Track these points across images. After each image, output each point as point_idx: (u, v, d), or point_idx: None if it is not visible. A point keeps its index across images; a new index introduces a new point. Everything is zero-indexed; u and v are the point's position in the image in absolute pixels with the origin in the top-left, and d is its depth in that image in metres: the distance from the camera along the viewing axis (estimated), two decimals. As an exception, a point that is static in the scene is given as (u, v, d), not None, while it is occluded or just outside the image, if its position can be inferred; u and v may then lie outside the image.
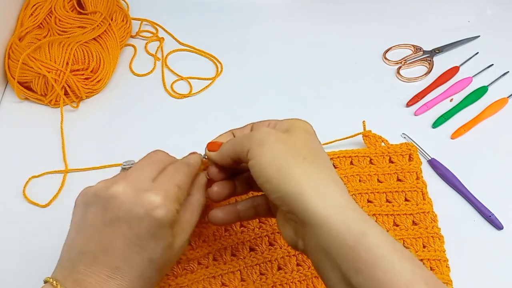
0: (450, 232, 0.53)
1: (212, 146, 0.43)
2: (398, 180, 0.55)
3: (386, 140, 0.58)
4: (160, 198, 0.36)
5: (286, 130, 0.39)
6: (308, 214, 0.34)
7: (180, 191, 0.39)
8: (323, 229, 0.33)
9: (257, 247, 0.50)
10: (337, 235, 0.33)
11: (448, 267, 0.50)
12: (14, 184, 0.56)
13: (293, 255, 0.50)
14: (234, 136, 0.44)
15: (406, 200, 0.54)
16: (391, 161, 0.56)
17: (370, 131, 0.58)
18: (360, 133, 0.58)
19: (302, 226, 0.35)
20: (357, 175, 0.55)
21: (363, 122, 0.58)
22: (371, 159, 0.56)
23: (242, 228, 0.50)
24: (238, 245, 0.50)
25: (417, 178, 0.55)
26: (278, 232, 0.50)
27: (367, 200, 0.54)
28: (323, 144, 0.55)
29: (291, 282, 0.49)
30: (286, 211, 0.36)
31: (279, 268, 0.49)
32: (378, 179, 0.55)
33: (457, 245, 0.52)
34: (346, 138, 0.59)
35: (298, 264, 0.50)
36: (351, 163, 0.56)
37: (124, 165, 0.46)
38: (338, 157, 0.56)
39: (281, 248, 0.50)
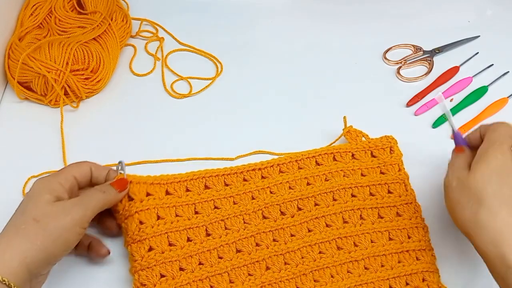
0: (450, 231, 0.53)
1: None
2: (381, 173, 0.56)
3: (367, 135, 0.58)
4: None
5: None
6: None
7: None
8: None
9: (243, 248, 0.50)
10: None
11: (434, 256, 0.51)
12: (13, 184, 0.56)
13: (280, 254, 0.50)
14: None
15: (389, 192, 0.54)
16: (373, 155, 0.56)
17: (351, 126, 0.58)
18: (342, 134, 0.58)
19: None
20: (341, 170, 0.55)
21: (344, 117, 0.59)
22: (353, 154, 0.56)
23: (226, 230, 0.51)
24: (224, 247, 0.50)
25: (399, 170, 0.56)
26: (263, 232, 0.51)
27: (351, 194, 0.54)
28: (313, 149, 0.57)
29: (280, 281, 0.49)
30: None
31: (267, 268, 0.49)
32: (362, 173, 0.55)
33: (457, 245, 0.52)
34: (335, 141, 0.59)
35: (286, 263, 0.50)
36: (334, 159, 0.56)
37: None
38: (320, 154, 0.56)
39: (267, 248, 0.50)
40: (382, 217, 0.53)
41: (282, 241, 0.51)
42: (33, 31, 0.67)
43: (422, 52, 0.71)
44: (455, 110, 0.64)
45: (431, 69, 0.69)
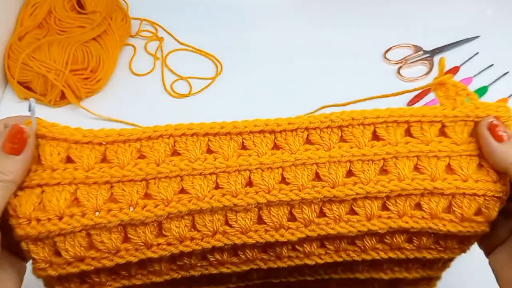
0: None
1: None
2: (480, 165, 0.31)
3: (473, 94, 0.33)
4: None
5: None
6: None
7: None
8: None
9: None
10: None
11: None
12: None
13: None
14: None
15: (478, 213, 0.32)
16: (471, 135, 0.32)
17: (451, 75, 0.34)
18: (430, 84, 0.34)
19: None
20: (414, 156, 0.31)
21: (441, 59, 0.36)
22: (443, 126, 0.32)
23: (191, 233, 0.32)
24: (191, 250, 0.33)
25: (497, 180, 0.32)
26: (250, 248, 0.34)
27: (415, 204, 0.32)
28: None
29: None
30: None
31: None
32: (449, 164, 0.31)
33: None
34: (414, 90, 0.36)
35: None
36: (408, 133, 0.32)
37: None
38: (385, 122, 0.33)
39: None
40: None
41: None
42: (33, 31, 0.66)
43: (422, 52, 0.71)
44: (455, 110, 0.64)
45: (431, 69, 0.69)
